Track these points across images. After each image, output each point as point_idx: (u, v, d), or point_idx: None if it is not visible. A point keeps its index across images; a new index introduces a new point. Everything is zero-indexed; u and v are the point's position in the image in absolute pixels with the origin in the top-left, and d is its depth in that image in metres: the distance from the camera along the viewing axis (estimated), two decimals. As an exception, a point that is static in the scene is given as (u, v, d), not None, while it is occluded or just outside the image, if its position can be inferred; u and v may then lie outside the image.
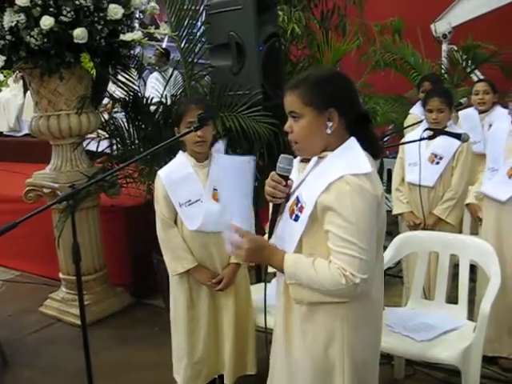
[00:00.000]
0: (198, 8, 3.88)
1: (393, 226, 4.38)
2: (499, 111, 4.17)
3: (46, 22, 3.13)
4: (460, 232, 3.52)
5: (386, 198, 2.48)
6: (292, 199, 1.67)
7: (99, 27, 3.34)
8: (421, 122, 3.74)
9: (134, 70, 3.94)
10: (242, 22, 3.38)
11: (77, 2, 3.24)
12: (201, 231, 2.51)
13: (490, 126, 4.21)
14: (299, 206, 1.62)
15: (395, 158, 3.87)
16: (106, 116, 4.00)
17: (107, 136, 3.95)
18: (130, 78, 3.93)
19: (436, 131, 3.10)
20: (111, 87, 4.35)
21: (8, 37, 3.26)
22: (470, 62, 5.79)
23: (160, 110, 3.86)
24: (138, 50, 3.91)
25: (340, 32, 4.76)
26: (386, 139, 4.62)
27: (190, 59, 3.89)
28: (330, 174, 1.56)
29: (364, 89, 4.44)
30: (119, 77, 3.94)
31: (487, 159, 3.17)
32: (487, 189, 3.09)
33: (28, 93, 7.21)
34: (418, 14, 6.02)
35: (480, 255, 2.62)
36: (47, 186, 3.75)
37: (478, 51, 5.75)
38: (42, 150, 4.58)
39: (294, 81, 1.68)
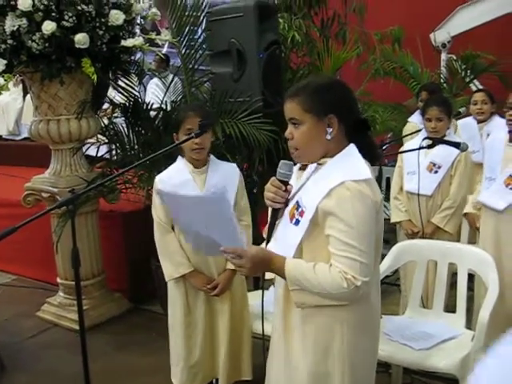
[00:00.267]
0: (199, 14, 3.89)
1: (390, 234, 4.38)
2: (497, 121, 4.19)
3: (48, 26, 3.14)
4: (458, 241, 3.53)
5: (385, 206, 2.49)
6: (292, 204, 1.69)
7: (100, 33, 3.35)
8: (419, 130, 3.76)
9: (134, 75, 3.95)
10: (243, 30, 3.40)
11: (79, 8, 3.25)
12: None
13: (489, 135, 4.25)
14: (300, 210, 1.64)
15: (394, 166, 3.88)
16: (106, 121, 4.00)
17: (107, 141, 3.95)
18: (131, 84, 3.94)
19: (435, 140, 3.12)
20: (111, 92, 4.36)
21: (9, 41, 3.27)
22: (469, 71, 5.81)
23: (160, 115, 3.87)
24: (138, 55, 3.93)
25: (340, 40, 4.78)
26: (384, 147, 4.64)
27: (190, 65, 3.90)
28: (331, 180, 1.59)
29: (363, 97, 4.45)
30: (119, 82, 3.95)
31: (484, 169, 3.19)
32: (485, 198, 3.10)
33: (27, 96, 7.23)
34: (418, 24, 6.04)
35: (478, 264, 2.62)
36: (46, 190, 3.75)
37: (477, 61, 5.77)
38: (41, 154, 4.58)
39: (293, 88, 1.71)
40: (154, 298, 4.07)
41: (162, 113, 3.87)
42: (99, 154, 3.98)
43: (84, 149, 3.93)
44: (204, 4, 3.95)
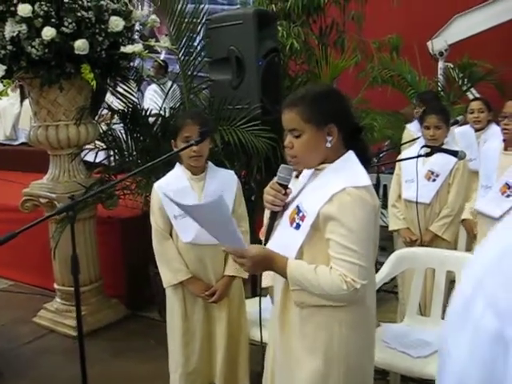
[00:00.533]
0: (198, 21, 3.90)
1: (388, 242, 4.40)
2: (494, 129, 4.21)
3: (48, 32, 3.15)
4: (455, 249, 3.54)
5: (382, 213, 2.49)
6: (292, 208, 1.73)
7: (100, 39, 3.36)
8: (416, 139, 3.79)
9: (133, 81, 3.96)
10: (243, 37, 3.41)
11: (78, 14, 3.26)
12: (195, 243, 2.53)
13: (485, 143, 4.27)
14: (300, 215, 1.68)
15: (391, 173, 3.89)
16: (105, 127, 4.01)
17: (105, 147, 3.96)
18: (129, 90, 3.95)
19: (433, 148, 3.13)
20: (109, 98, 4.36)
21: (9, 47, 3.27)
22: (466, 80, 5.84)
23: (158, 122, 3.87)
24: (137, 62, 3.94)
25: (338, 48, 4.80)
26: (382, 155, 4.65)
27: (189, 72, 3.91)
28: (333, 186, 1.63)
29: (361, 105, 4.47)
30: (118, 88, 3.96)
31: (480, 177, 3.22)
32: (481, 206, 3.13)
33: (25, 102, 7.23)
34: (416, 32, 6.08)
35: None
36: (44, 196, 3.74)
37: (474, 69, 5.80)
38: (39, 159, 4.58)
39: (292, 98, 1.74)
40: (151, 305, 4.06)
41: (160, 119, 3.88)
42: (97, 160, 3.98)
43: (82, 155, 3.93)
44: (203, 11, 3.97)
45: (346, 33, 4.95)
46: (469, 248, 3.72)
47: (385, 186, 4.85)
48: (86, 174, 3.91)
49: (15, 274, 4.83)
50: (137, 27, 3.78)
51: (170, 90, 4.20)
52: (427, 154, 3.11)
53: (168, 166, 3.23)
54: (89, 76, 3.25)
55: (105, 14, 3.38)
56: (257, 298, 2.86)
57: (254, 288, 3.58)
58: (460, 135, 4.36)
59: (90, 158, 4.07)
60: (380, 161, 4.62)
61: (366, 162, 1.73)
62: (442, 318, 2.79)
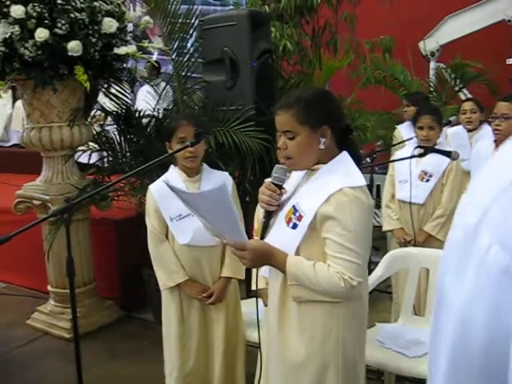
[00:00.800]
0: (192, 22, 3.90)
1: (381, 242, 4.41)
2: (487, 129, 4.23)
3: (41, 34, 3.13)
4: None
5: (375, 213, 2.49)
6: (287, 208, 1.77)
7: (93, 40, 3.34)
8: (406, 141, 3.83)
9: (126, 83, 3.95)
10: (236, 38, 3.41)
11: (72, 15, 3.25)
12: (192, 245, 2.53)
13: (479, 143, 4.29)
14: (297, 214, 1.72)
15: (384, 173, 3.91)
16: (97, 128, 4.00)
17: (98, 149, 3.94)
18: (123, 91, 3.94)
19: (427, 149, 3.14)
20: (101, 98, 4.34)
21: (2, 48, 3.25)
22: (458, 80, 5.87)
23: (152, 123, 3.87)
24: (130, 63, 3.93)
25: (331, 49, 4.81)
26: (375, 155, 4.67)
27: (183, 73, 3.91)
28: (329, 187, 1.67)
29: (354, 105, 4.48)
30: (111, 89, 3.95)
31: (472, 176, 3.23)
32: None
33: (16, 103, 7.20)
34: (408, 32, 6.11)
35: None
36: (38, 197, 3.73)
37: (465, 70, 5.83)
38: (31, 160, 4.56)
39: (286, 101, 1.77)
40: (145, 306, 4.06)
41: (153, 120, 3.87)
42: (91, 162, 3.97)
43: (76, 156, 3.92)
44: (196, 11, 3.96)
45: (338, 33, 4.95)
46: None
47: (378, 186, 4.87)
48: (80, 175, 3.89)
49: (8, 276, 4.80)
50: (130, 28, 3.78)
51: (163, 91, 4.19)
52: (421, 155, 3.12)
53: (162, 168, 3.23)
54: (82, 77, 3.24)
55: (98, 16, 3.37)
56: (250, 300, 2.89)
57: (249, 289, 3.58)
58: (453, 135, 4.38)
59: (83, 159, 4.06)
60: (373, 161, 4.64)
61: (357, 161, 1.78)
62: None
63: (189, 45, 3.96)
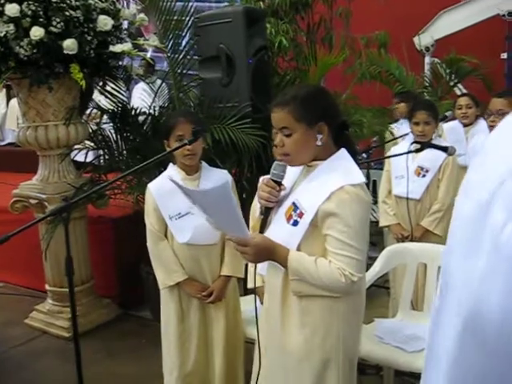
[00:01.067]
0: (187, 19, 3.89)
1: (378, 237, 4.43)
2: (482, 124, 4.25)
3: (37, 32, 3.12)
4: (445, 242, 3.57)
5: (372, 209, 2.50)
6: (287, 205, 1.79)
7: (89, 38, 3.33)
8: (400, 137, 3.85)
9: (121, 80, 3.94)
10: (232, 35, 3.41)
11: (67, 13, 3.24)
12: (191, 244, 2.52)
13: (475, 138, 4.31)
14: (298, 211, 1.75)
15: (379, 169, 3.93)
16: (94, 126, 3.99)
17: (95, 147, 3.93)
18: (118, 89, 3.93)
19: (423, 144, 3.15)
20: (96, 96, 4.33)
21: (-4, 47, 3.25)
22: (453, 75, 5.88)
23: (148, 121, 3.86)
24: (126, 60, 3.92)
25: (326, 45, 4.81)
26: (371, 151, 4.69)
27: (178, 70, 3.90)
28: (330, 184, 1.70)
29: (350, 101, 4.48)
30: (107, 87, 3.94)
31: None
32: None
33: (11, 102, 7.17)
34: (403, 28, 6.12)
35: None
36: (34, 196, 3.72)
37: (461, 65, 5.84)
38: (27, 159, 4.55)
39: (282, 98, 1.79)
40: (143, 304, 4.06)
41: (150, 118, 3.86)
42: (87, 160, 3.96)
43: (72, 155, 3.91)
44: (191, 9, 3.95)
45: (333, 29, 4.95)
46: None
47: (374, 182, 4.89)
48: (76, 174, 3.88)
49: (5, 275, 4.79)
50: (124, 26, 3.76)
51: (159, 88, 4.18)
52: (417, 150, 3.13)
53: (159, 166, 3.23)
54: (78, 76, 3.23)
55: (93, 13, 3.36)
56: (248, 297, 2.89)
57: (245, 287, 3.58)
58: (449, 131, 4.39)
59: (79, 158, 4.05)
60: (369, 157, 4.66)
61: (353, 155, 1.80)
62: (435, 313, 2.81)
63: (184, 42, 3.95)
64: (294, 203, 1.76)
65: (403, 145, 3.46)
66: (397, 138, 4.14)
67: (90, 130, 3.91)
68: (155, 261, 2.58)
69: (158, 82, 4.85)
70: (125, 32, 3.70)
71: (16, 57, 3.25)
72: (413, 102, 4.38)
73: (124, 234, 4.11)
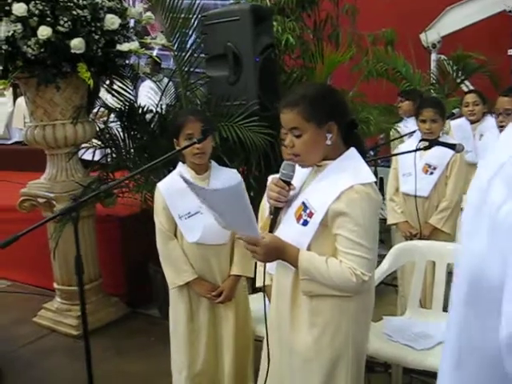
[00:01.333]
0: (194, 17, 3.89)
1: (386, 234, 4.42)
2: (490, 121, 4.24)
3: (44, 32, 3.12)
4: (454, 241, 3.56)
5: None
6: (297, 204, 1.78)
7: (96, 37, 3.33)
8: (403, 136, 3.85)
9: (128, 79, 3.94)
10: (239, 33, 3.40)
11: (74, 12, 3.24)
12: (201, 243, 2.51)
13: (481, 135, 4.30)
14: (308, 211, 1.74)
15: (386, 166, 3.92)
16: (101, 125, 3.99)
17: (102, 145, 3.94)
18: (126, 88, 3.94)
19: (431, 142, 3.14)
20: (103, 94, 4.33)
21: (4, 46, 3.24)
22: (460, 72, 5.86)
23: (155, 119, 3.87)
24: (133, 59, 3.92)
25: (333, 42, 4.80)
26: (378, 149, 4.68)
27: (185, 69, 3.90)
28: (340, 183, 1.70)
29: (357, 98, 4.47)
30: (114, 86, 3.94)
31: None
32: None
33: (17, 100, 7.19)
34: (409, 24, 6.09)
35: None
36: (42, 195, 3.73)
37: (468, 61, 5.82)
38: (33, 158, 4.57)
39: (291, 98, 1.78)
40: (151, 302, 4.07)
41: (157, 116, 3.87)
42: (95, 158, 3.97)
43: (80, 153, 3.92)
44: (198, 7, 3.95)
45: (340, 27, 4.94)
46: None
47: (381, 179, 4.88)
48: (84, 172, 3.89)
49: (13, 274, 4.81)
50: (131, 24, 3.76)
51: (166, 86, 4.18)
52: (425, 148, 3.12)
53: (167, 165, 3.23)
54: (86, 75, 3.24)
55: (100, 12, 3.36)
56: (256, 295, 2.89)
57: (253, 286, 3.57)
58: (456, 128, 4.39)
59: (87, 156, 4.06)
60: (377, 154, 4.65)
61: (362, 154, 1.80)
62: (444, 311, 2.81)
63: (191, 40, 3.94)
64: (303, 203, 1.76)
65: (410, 142, 3.45)
66: (404, 136, 4.13)
67: (98, 129, 3.92)
68: (165, 260, 2.57)
69: (165, 80, 4.85)
70: (131, 30, 3.70)
71: (23, 56, 3.25)
72: (418, 99, 4.38)
73: (132, 232, 4.12)
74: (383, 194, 3.71)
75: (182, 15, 3.85)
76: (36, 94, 3.58)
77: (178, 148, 2.48)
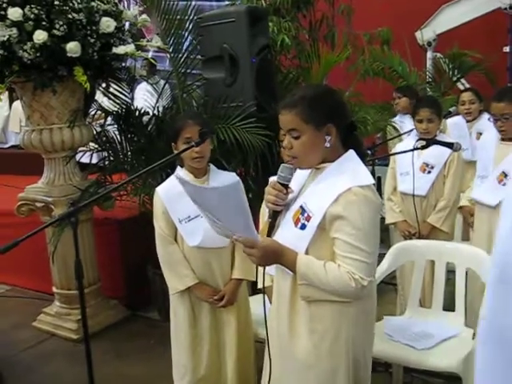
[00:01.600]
0: (190, 19, 3.88)
1: (385, 233, 4.42)
2: (486, 119, 4.24)
3: (40, 36, 3.11)
4: (452, 239, 3.57)
5: (379, 206, 2.50)
6: (295, 208, 1.76)
7: (92, 40, 3.32)
8: (401, 135, 3.85)
9: (124, 82, 3.94)
10: (235, 35, 3.40)
11: (69, 16, 3.23)
12: (201, 247, 2.49)
13: (479, 133, 4.31)
14: (305, 215, 1.71)
15: (384, 165, 3.92)
16: (98, 128, 3.99)
17: (99, 149, 3.94)
18: (122, 91, 3.93)
19: (429, 141, 3.15)
20: (98, 97, 4.33)
21: (0, 51, 3.23)
22: (456, 70, 5.87)
23: (152, 121, 3.86)
24: (129, 62, 3.91)
25: (329, 42, 4.80)
26: (376, 148, 4.68)
27: (182, 70, 3.89)
28: (338, 186, 1.67)
29: (354, 98, 4.48)
30: (110, 89, 3.94)
31: (477, 167, 3.24)
32: (478, 195, 3.17)
33: (13, 104, 7.17)
34: (405, 22, 6.10)
35: (477, 263, 2.65)
36: (40, 200, 3.72)
37: (463, 59, 5.82)
38: (30, 162, 4.56)
39: (290, 100, 1.76)
40: (150, 305, 4.06)
41: (154, 119, 3.86)
42: (93, 162, 3.97)
43: (77, 157, 3.91)
44: (193, 8, 3.94)
45: (335, 27, 4.94)
46: (465, 237, 3.76)
47: (379, 178, 4.88)
48: (82, 176, 3.89)
49: (12, 278, 4.80)
50: (126, 27, 3.76)
51: (163, 88, 4.18)
52: (423, 147, 3.12)
53: (165, 168, 3.23)
54: (82, 78, 3.23)
55: (96, 16, 3.35)
56: (256, 296, 2.88)
57: (253, 287, 3.57)
58: (452, 126, 4.40)
59: (84, 159, 4.05)
60: (374, 154, 4.65)
61: (361, 157, 1.77)
62: (443, 310, 2.81)
63: (187, 42, 3.94)
64: (301, 206, 1.73)
65: (408, 141, 3.45)
66: (401, 135, 4.14)
67: (95, 132, 3.91)
68: (165, 265, 2.55)
69: (162, 82, 4.85)
70: (127, 33, 3.69)
71: (20, 60, 3.24)
72: (415, 97, 4.39)
73: (130, 235, 4.12)
74: (381, 194, 3.72)
75: (178, 17, 3.84)
76: (32, 99, 3.57)
77: (176, 152, 2.47)
